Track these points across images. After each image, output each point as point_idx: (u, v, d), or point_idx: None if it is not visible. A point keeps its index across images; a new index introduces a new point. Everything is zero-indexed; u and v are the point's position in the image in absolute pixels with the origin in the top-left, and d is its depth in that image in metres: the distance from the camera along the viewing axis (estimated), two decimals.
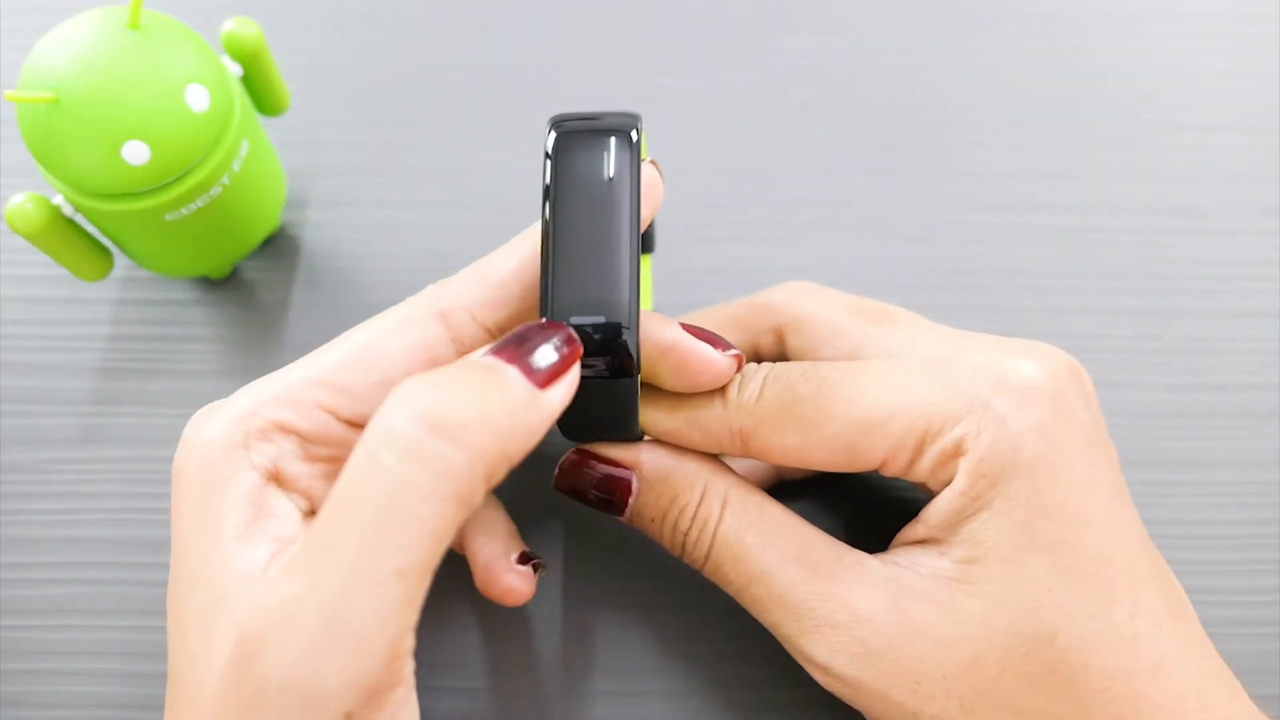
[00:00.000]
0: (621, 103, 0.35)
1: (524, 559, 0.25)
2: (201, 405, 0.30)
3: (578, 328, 0.21)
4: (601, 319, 0.21)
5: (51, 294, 0.32)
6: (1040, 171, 0.34)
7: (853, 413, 0.22)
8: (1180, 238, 0.33)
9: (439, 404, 0.18)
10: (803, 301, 0.26)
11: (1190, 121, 0.35)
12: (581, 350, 0.21)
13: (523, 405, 0.19)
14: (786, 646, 0.24)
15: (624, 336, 0.21)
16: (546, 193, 0.21)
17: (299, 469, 0.21)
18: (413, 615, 0.18)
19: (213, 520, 0.20)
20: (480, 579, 0.25)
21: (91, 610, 0.28)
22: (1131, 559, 0.22)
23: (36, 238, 0.27)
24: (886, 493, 0.28)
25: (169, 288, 0.32)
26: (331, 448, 0.22)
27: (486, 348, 0.20)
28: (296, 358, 0.31)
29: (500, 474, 0.19)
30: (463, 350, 0.22)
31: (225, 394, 0.30)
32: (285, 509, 0.21)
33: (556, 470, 0.24)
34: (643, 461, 0.24)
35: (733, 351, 0.23)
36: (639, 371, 0.21)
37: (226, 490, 0.20)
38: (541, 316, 0.21)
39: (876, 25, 0.36)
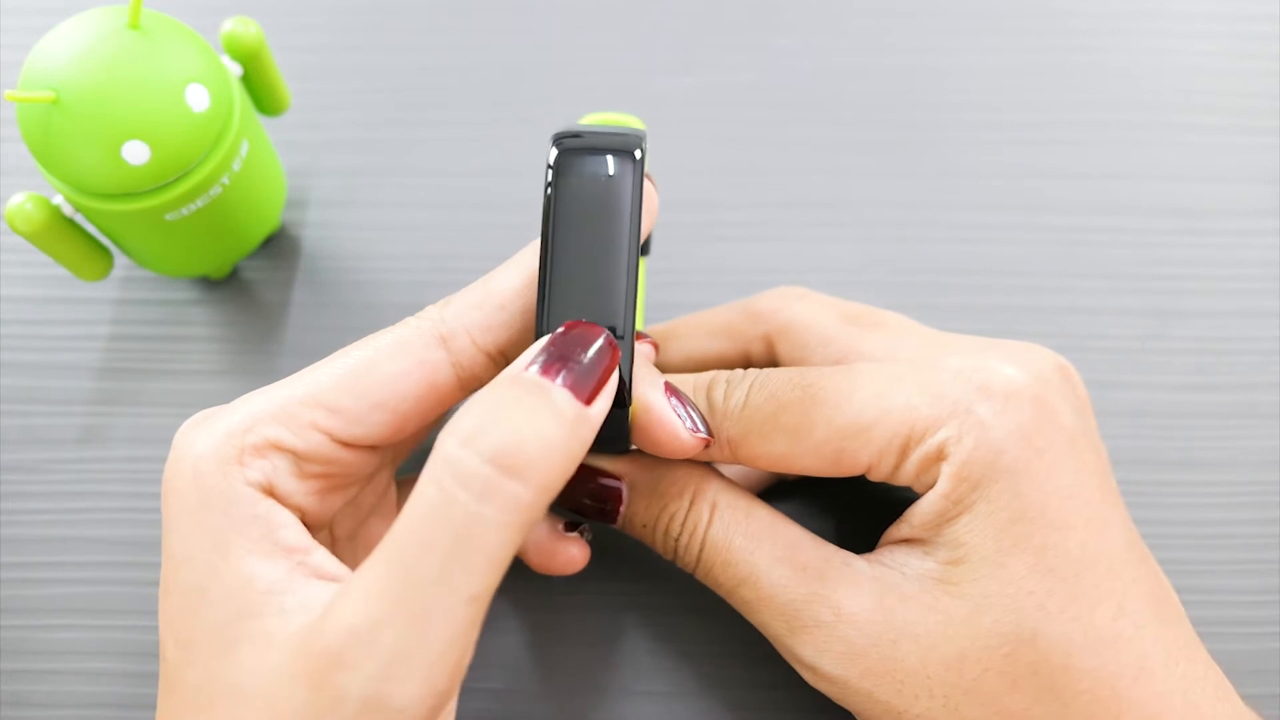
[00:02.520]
0: (620, 103, 0.35)
1: (570, 527, 0.25)
2: (201, 406, 0.30)
3: None
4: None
5: (51, 294, 0.32)
6: (1040, 171, 0.34)
7: (837, 419, 0.22)
8: (1180, 238, 0.33)
9: (507, 441, 0.18)
10: (792, 308, 0.26)
11: (1190, 121, 0.35)
12: (619, 355, 0.21)
13: (575, 428, 0.19)
14: (776, 646, 0.24)
15: (620, 374, 0.21)
16: (546, 211, 0.21)
17: (291, 485, 0.21)
18: (476, 633, 0.19)
19: (218, 535, 0.20)
20: (535, 558, 0.25)
21: (91, 610, 0.28)
22: (1117, 561, 0.22)
23: (36, 238, 0.27)
24: (876, 494, 0.28)
25: (169, 288, 0.32)
26: (324, 466, 0.22)
27: (531, 360, 0.20)
28: (296, 358, 0.32)
29: (557, 491, 0.19)
30: (463, 375, 0.22)
31: (225, 394, 0.31)
32: (286, 518, 0.21)
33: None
34: (632, 470, 0.24)
35: (701, 435, 0.23)
36: (630, 402, 0.21)
37: (227, 505, 0.20)
38: (536, 339, 0.21)
39: (876, 25, 0.36)
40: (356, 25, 0.36)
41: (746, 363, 0.27)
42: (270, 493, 0.21)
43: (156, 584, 0.29)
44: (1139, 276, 0.32)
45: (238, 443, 0.21)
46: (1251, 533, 0.29)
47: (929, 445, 0.22)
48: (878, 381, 0.23)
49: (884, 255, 0.33)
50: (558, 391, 0.19)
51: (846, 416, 0.22)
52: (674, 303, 0.31)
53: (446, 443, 0.19)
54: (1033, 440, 0.22)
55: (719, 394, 0.24)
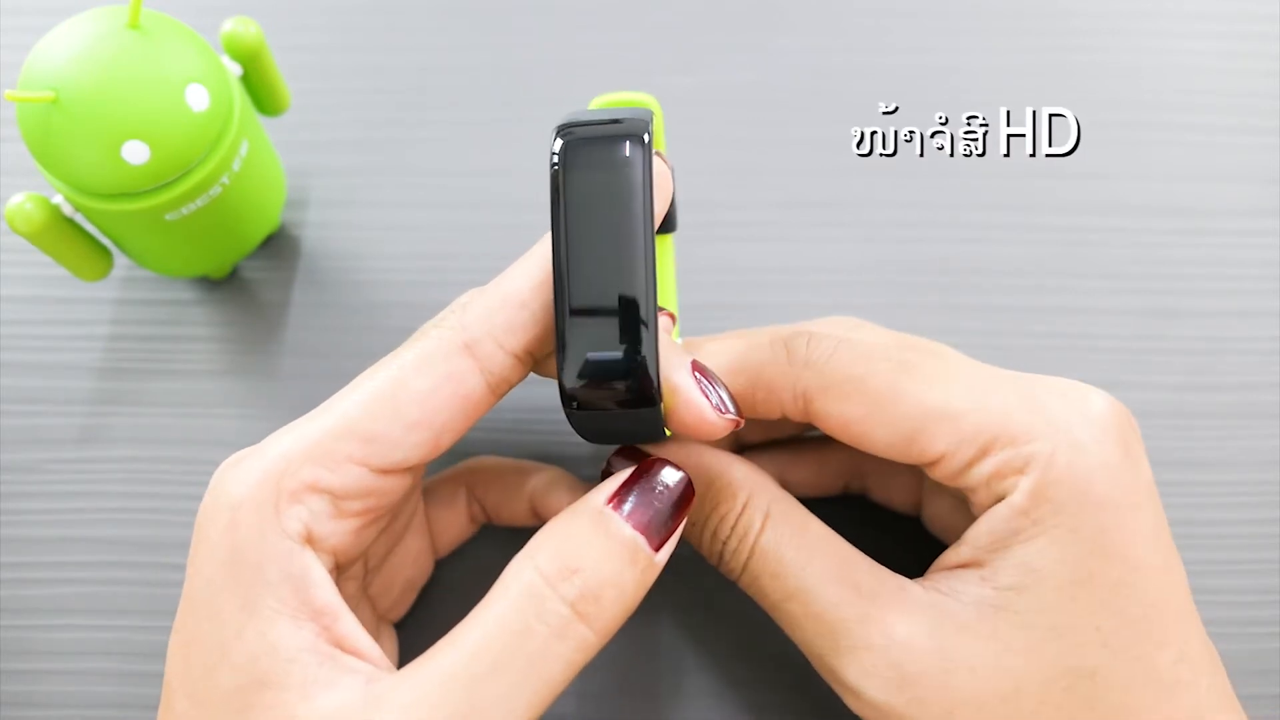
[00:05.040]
0: None
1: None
2: (201, 406, 0.31)
3: (594, 361, 0.20)
4: (620, 355, 0.20)
5: (51, 294, 0.32)
6: (1040, 171, 0.34)
7: (928, 397, 0.22)
8: (1180, 238, 0.33)
9: (586, 591, 0.20)
10: (851, 337, 0.26)
11: (1190, 121, 0.35)
12: (694, 500, 0.22)
13: (644, 577, 0.21)
14: (816, 666, 0.23)
15: (646, 368, 0.20)
16: (554, 204, 0.20)
17: (329, 527, 0.21)
18: None
19: (248, 593, 0.20)
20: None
21: (91, 610, 0.28)
22: (1182, 609, 0.21)
23: (36, 238, 0.27)
24: (905, 529, 0.28)
25: (169, 288, 0.32)
26: (363, 500, 0.21)
27: (613, 496, 0.21)
28: (296, 358, 0.32)
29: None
30: (492, 380, 0.21)
31: (225, 394, 0.31)
32: (319, 575, 0.20)
33: (604, 471, 0.24)
34: (686, 465, 0.24)
35: (730, 416, 0.22)
36: (661, 399, 0.21)
37: (260, 561, 0.20)
38: (557, 342, 0.20)
39: (876, 25, 0.36)
40: (356, 25, 0.36)
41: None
42: (308, 540, 0.20)
43: (156, 584, 0.29)
44: (1139, 276, 0.32)
45: (274, 488, 0.20)
46: (1251, 533, 0.29)
47: (1016, 452, 0.21)
48: (977, 376, 0.22)
49: (884, 255, 0.33)
50: (637, 539, 0.21)
51: (939, 397, 0.22)
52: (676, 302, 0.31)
53: (528, 572, 0.20)
54: (1122, 478, 0.21)
55: (801, 343, 0.23)
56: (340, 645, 0.20)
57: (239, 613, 0.20)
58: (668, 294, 0.27)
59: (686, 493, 0.22)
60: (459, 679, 0.19)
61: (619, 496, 0.21)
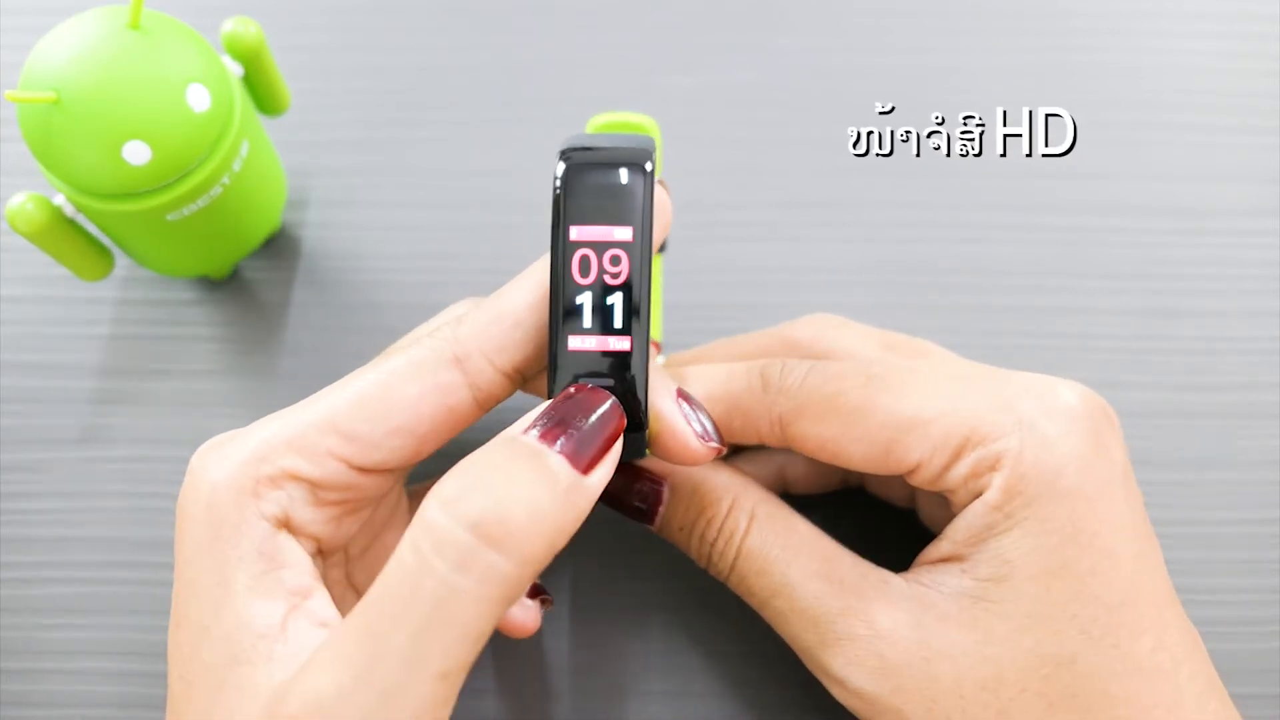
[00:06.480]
0: (621, 103, 0.35)
1: (533, 592, 0.25)
2: (201, 406, 0.31)
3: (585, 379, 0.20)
4: (611, 382, 0.20)
5: (51, 294, 0.32)
6: (1040, 171, 0.34)
7: (899, 409, 0.22)
8: (1179, 238, 0.33)
9: (489, 510, 0.18)
10: (831, 336, 0.26)
11: (1190, 121, 0.35)
12: (625, 424, 0.20)
13: (569, 497, 0.19)
14: (804, 660, 0.24)
15: (635, 394, 0.21)
16: (555, 227, 0.20)
17: (308, 514, 0.21)
18: (449, 710, 0.18)
19: (223, 570, 0.20)
20: None
21: (91, 610, 0.28)
22: (1159, 597, 0.22)
23: (37, 238, 0.27)
24: (903, 521, 0.28)
25: (169, 288, 0.32)
26: (342, 492, 0.21)
27: (531, 423, 0.19)
28: (296, 358, 0.32)
29: (544, 565, 0.19)
30: (479, 395, 0.21)
31: (225, 394, 0.31)
32: (296, 557, 0.21)
33: None
34: (674, 472, 0.24)
35: (713, 443, 0.22)
36: (647, 424, 0.21)
37: (237, 539, 0.20)
38: (549, 362, 0.21)
39: (876, 25, 0.36)
40: (356, 25, 0.36)
41: None
42: (285, 524, 0.21)
43: (156, 583, 0.29)
44: (1139, 276, 0.32)
45: (253, 473, 0.20)
46: (1251, 532, 0.29)
47: (987, 451, 0.22)
48: (944, 382, 0.23)
49: (884, 255, 0.33)
50: (553, 458, 0.19)
51: (910, 407, 0.22)
52: (674, 303, 0.31)
53: (429, 505, 0.18)
54: (1092, 467, 0.21)
55: (775, 371, 0.23)
56: (315, 621, 0.20)
57: (217, 589, 0.20)
58: (655, 319, 0.28)
59: (613, 410, 0.20)
60: (365, 635, 0.18)
61: (536, 422, 0.19)
